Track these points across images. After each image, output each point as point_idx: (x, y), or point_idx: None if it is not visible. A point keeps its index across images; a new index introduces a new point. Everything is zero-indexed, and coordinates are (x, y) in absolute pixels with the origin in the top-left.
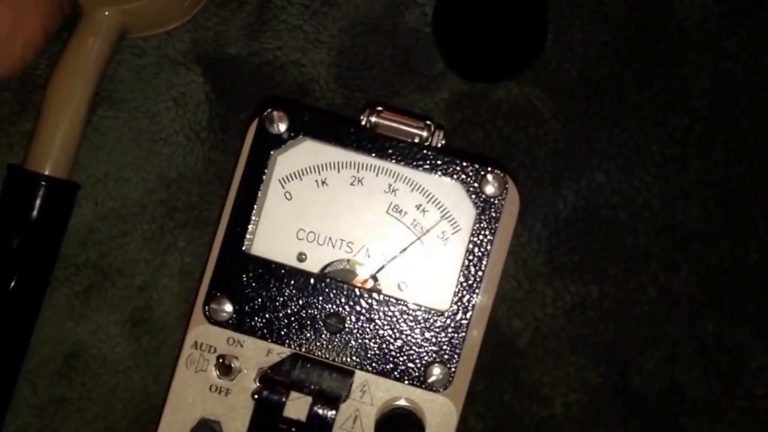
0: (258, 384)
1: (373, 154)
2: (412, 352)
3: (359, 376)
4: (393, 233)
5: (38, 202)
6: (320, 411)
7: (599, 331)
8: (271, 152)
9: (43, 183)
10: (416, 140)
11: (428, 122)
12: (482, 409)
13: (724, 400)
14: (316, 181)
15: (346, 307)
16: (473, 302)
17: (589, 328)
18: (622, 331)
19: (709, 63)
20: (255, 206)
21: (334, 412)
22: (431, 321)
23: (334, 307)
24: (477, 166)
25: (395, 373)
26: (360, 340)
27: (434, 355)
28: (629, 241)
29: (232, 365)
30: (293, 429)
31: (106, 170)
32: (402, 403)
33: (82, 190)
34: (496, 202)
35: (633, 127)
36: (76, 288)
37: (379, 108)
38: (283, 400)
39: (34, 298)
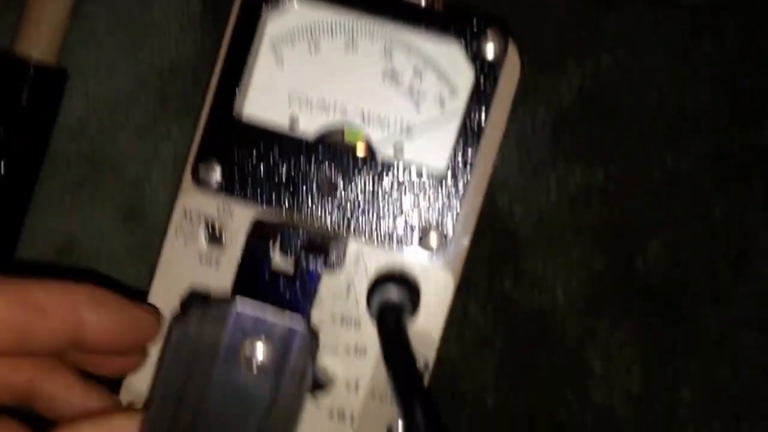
0: None
1: (368, 14)
2: (407, 217)
3: (353, 245)
4: (388, 98)
5: (27, 88)
6: (309, 262)
7: (603, 216)
8: (262, 13)
9: (32, 68)
10: (414, 1)
11: None
12: (482, 298)
13: (731, 283)
14: (309, 44)
15: (339, 172)
16: (470, 166)
17: (593, 214)
18: (627, 217)
19: None
20: (245, 68)
21: (322, 263)
22: (427, 185)
23: (327, 172)
24: (476, 23)
25: (389, 238)
26: (353, 205)
27: (430, 220)
28: (636, 124)
29: (222, 235)
30: (280, 281)
31: (96, 61)
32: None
33: (73, 81)
34: (495, 63)
35: (642, 6)
36: (68, 181)
37: None
38: (271, 246)
39: (24, 189)
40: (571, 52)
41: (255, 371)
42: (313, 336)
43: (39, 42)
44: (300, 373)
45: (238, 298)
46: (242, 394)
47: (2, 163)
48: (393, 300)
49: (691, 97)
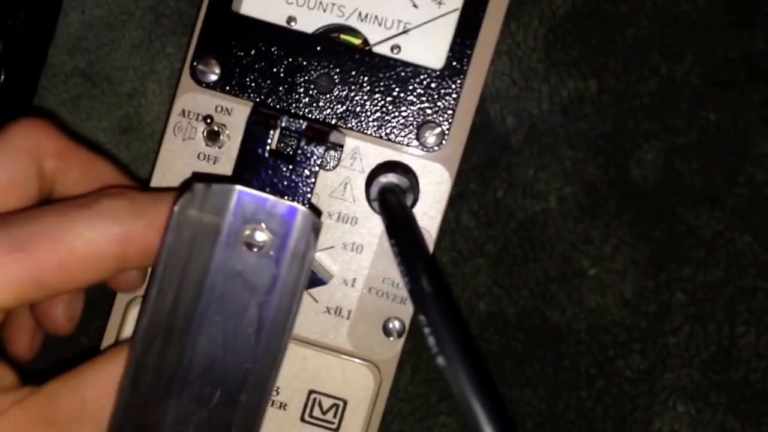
0: None
1: None
2: (404, 112)
3: (350, 142)
4: None
5: (24, 3)
6: (308, 142)
7: (597, 124)
8: None
9: None
10: None
11: None
12: (475, 206)
13: (725, 188)
14: None
15: (337, 67)
16: (468, 62)
17: (587, 123)
18: (621, 124)
19: None
20: None
21: (323, 144)
22: (424, 80)
23: (325, 67)
24: None
25: (386, 133)
26: (351, 101)
27: (427, 115)
28: (630, 33)
29: (221, 132)
30: (281, 163)
31: None
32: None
33: None
34: None
35: None
36: (65, 96)
37: None
38: (271, 130)
39: (22, 103)
40: None
41: (256, 253)
42: (314, 215)
43: None
44: (301, 255)
45: (238, 184)
46: (243, 276)
47: (2, 73)
48: (394, 183)
49: (685, 5)
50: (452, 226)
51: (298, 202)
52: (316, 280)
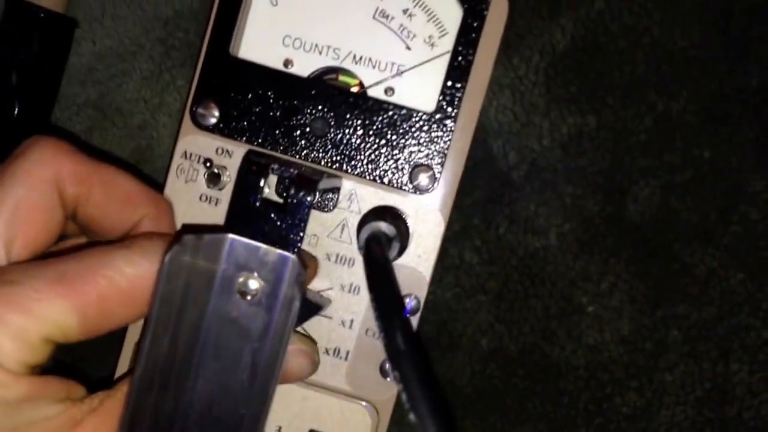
0: None
1: None
2: (397, 155)
3: (347, 184)
4: (380, 38)
5: (37, 35)
6: (298, 191)
7: (596, 161)
8: None
9: (42, 15)
10: None
11: None
12: (478, 242)
13: (719, 225)
14: None
15: (333, 111)
16: (459, 105)
17: (585, 159)
18: (619, 160)
19: None
20: (240, 10)
21: (312, 194)
22: (417, 124)
23: (321, 111)
24: None
25: (380, 176)
26: (346, 144)
27: (420, 159)
28: (628, 69)
29: (221, 175)
30: (271, 211)
31: (102, 9)
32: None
33: (81, 29)
34: (482, 1)
35: None
36: (78, 128)
37: None
38: (262, 179)
39: (36, 132)
40: None
41: (249, 300)
42: (302, 264)
43: None
44: (290, 301)
45: (230, 233)
46: (236, 323)
47: (16, 106)
48: (381, 230)
49: (681, 41)
50: (456, 263)
51: (288, 250)
52: (315, 307)
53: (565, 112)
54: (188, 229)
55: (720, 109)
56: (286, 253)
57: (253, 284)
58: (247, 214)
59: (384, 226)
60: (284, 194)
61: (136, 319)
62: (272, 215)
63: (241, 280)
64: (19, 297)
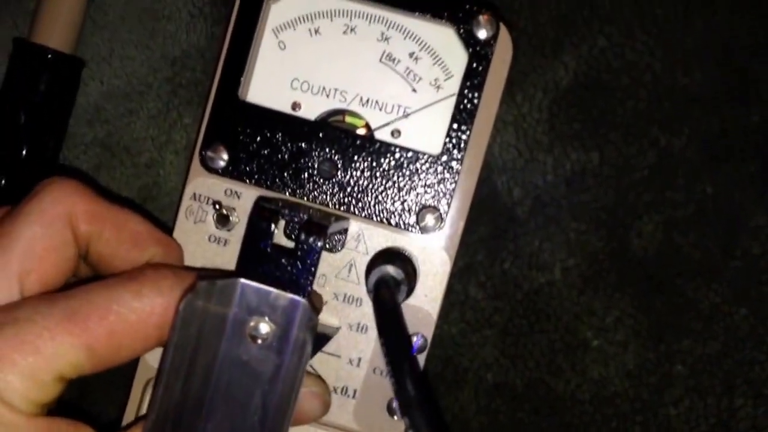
0: None
1: (366, 1)
2: (404, 197)
3: (354, 226)
4: (386, 81)
5: (45, 75)
6: (308, 237)
7: (599, 196)
8: (264, 0)
9: (49, 56)
10: None
11: None
12: (482, 278)
13: (722, 261)
14: (309, 30)
15: (340, 153)
16: (465, 147)
17: (589, 195)
18: (622, 196)
19: None
20: (249, 55)
21: (321, 239)
22: (423, 166)
23: (328, 153)
24: (468, 8)
25: (388, 218)
26: (353, 186)
27: (426, 200)
28: (630, 105)
29: (230, 216)
30: (281, 256)
31: (110, 49)
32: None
33: (88, 69)
34: (487, 46)
35: None
36: (85, 166)
37: None
38: (273, 225)
39: (43, 174)
40: (567, 35)
41: (260, 344)
42: (313, 309)
43: (56, 31)
44: (301, 345)
45: (241, 277)
46: (248, 367)
47: (24, 147)
48: (389, 274)
49: (683, 78)
50: (461, 298)
51: (299, 294)
52: (323, 338)
53: (568, 148)
54: (201, 276)
55: (722, 145)
56: (296, 297)
57: (264, 328)
58: (257, 259)
59: (392, 270)
60: (294, 237)
61: (146, 351)
62: (283, 260)
63: (252, 324)
64: (29, 336)
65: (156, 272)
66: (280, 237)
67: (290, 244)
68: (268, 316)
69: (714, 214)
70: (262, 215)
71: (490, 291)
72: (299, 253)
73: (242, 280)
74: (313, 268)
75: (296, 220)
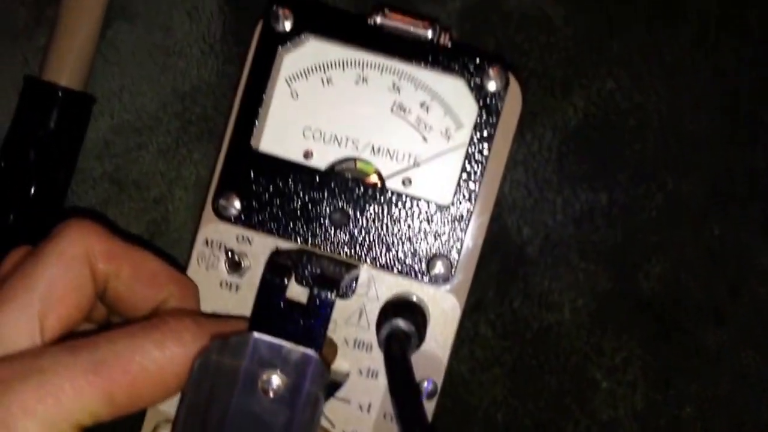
0: None
1: (378, 52)
2: (415, 245)
3: (365, 272)
4: (397, 131)
5: (55, 113)
6: (321, 292)
7: (608, 237)
8: (277, 50)
9: (60, 94)
10: (422, 40)
11: (434, 23)
12: (492, 317)
13: (729, 303)
14: (322, 79)
15: (351, 202)
16: (475, 196)
17: (598, 235)
18: (630, 237)
19: None
20: (262, 104)
21: (334, 293)
22: (434, 215)
23: (340, 202)
24: (479, 61)
25: (399, 266)
26: (365, 235)
27: (437, 249)
28: (638, 147)
29: (242, 262)
30: (294, 311)
31: (121, 84)
32: (405, 295)
33: (98, 104)
34: (497, 97)
35: (643, 34)
36: (94, 201)
37: (386, 8)
38: (285, 281)
39: (52, 209)
40: (576, 77)
41: (271, 398)
42: (326, 363)
43: (67, 69)
44: (314, 400)
45: (254, 332)
46: (260, 420)
47: (33, 184)
48: (400, 328)
49: (691, 121)
50: (470, 335)
51: (311, 347)
52: (334, 386)
53: (577, 188)
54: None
55: (728, 188)
56: (309, 351)
57: (276, 381)
58: (271, 313)
59: (403, 324)
60: (305, 284)
61: (165, 399)
62: (295, 314)
63: (264, 377)
64: (52, 387)
65: (178, 322)
66: (293, 287)
67: (302, 291)
68: (281, 369)
69: (721, 255)
70: (275, 271)
71: (499, 329)
72: (312, 307)
73: (255, 334)
74: (325, 322)
75: (309, 271)
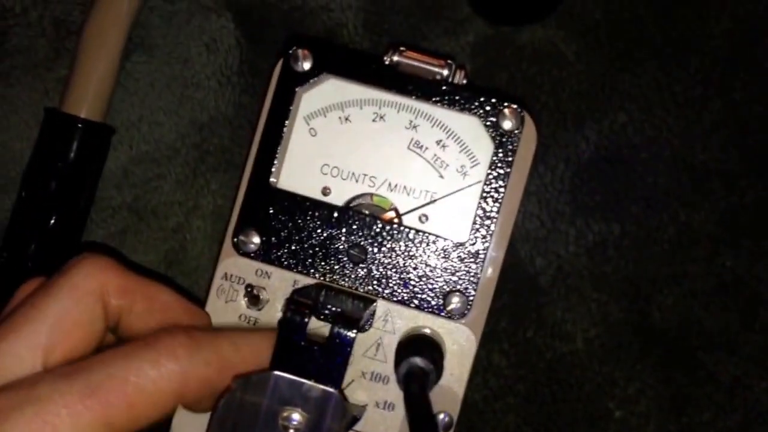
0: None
1: (395, 91)
2: (431, 281)
3: (382, 305)
4: (414, 168)
5: (75, 144)
6: (341, 331)
7: (620, 268)
8: (296, 90)
9: (80, 125)
10: (438, 78)
11: (449, 61)
12: (506, 346)
13: (742, 334)
14: (340, 117)
15: (369, 238)
16: (491, 233)
17: (610, 266)
18: (643, 268)
19: (731, 4)
20: (281, 142)
21: (354, 332)
22: (450, 251)
23: (357, 238)
24: (494, 102)
25: (415, 301)
26: (382, 270)
27: (453, 285)
28: (650, 180)
29: (260, 295)
30: (315, 348)
31: (139, 115)
32: (422, 329)
33: (117, 134)
34: (513, 136)
35: (655, 69)
36: (112, 230)
37: (402, 48)
38: (306, 320)
39: (72, 238)
40: (588, 110)
41: None
42: (346, 402)
43: (87, 101)
44: None
45: (275, 370)
46: None
47: (54, 214)
48: (419, 366)
49: (702, 154)
50: (484, 365)
51: (331, 385)
52: (353, 420)
53: (590, 219)
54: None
55: (741, 219)
56: (329, 389)
57: (297, 418)
58: (291, 352)
59: (421, 362)
60: (324, 319)
61: (163, 417)
62: (316, 351)
63: (284, 414)
64: (48, 415)
65: (171, 339)
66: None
67: (320, 324)
68: (301, 406)
69: (734, 287)
70: (296, 310)
71: (513, 359)
72: (332, 345)
73: (276, 372)
74: (345, 360)
75: (329, 309)
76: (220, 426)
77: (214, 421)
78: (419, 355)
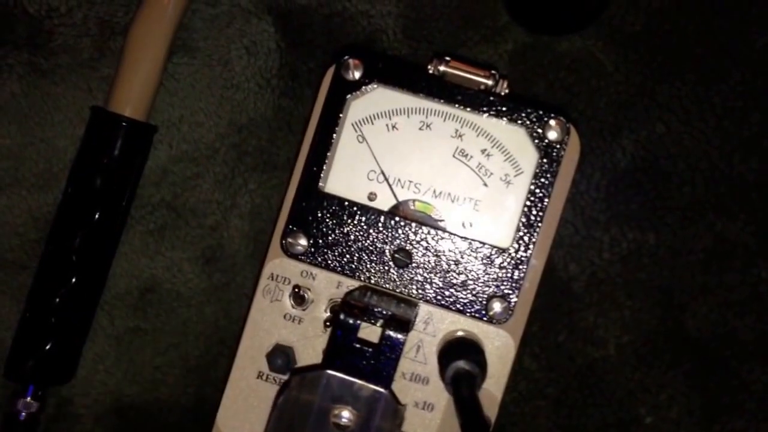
0: (328, 314)
1: (441, 101)
2: (474, 286)
3: (423, 308)
4: (458, 176)
5: (119, 142)
6: (392, 333)
7: (655, 276)
8: (346, 97)
9: (124, 124)
10: (482, 88)
11: (493, 71)
12: (537, 350)
13: None
14: (387, 125)
15: (414, 243)
16: (533, 241)
17: (644, 274)
18: (677, 277)
19: None
20: (330, 148)
21: (405, 334)
22: (493, 258)
23: (402, 243)
24: (541, 113)
25: (458, 306)
26: (425, 275)
27: (495, 290)
28: (687, 190)
29: (305, 296)
30: (367, 349)
31: (180, 115)
32: (463, 333)
33: (158, 133)
34: (558, 147)
35: (694, 80)
36: (151, 226)
37: (447, 58)
38: (359, 322)
39: (114, 233)
40: (626, 120)
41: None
42: (397, 401)
43: (131, 100)
44: None
45: (327, 369)
46: None
47: (98, 210)
48: (467, 370)
49: (739, 165)
50: (515, 367)
51: (382, 385)
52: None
53: (625, 227)
54: (295, 371)
55: None
56: (379, 388)
57: (347, 415)
58: (344, 352)
59: (469, 366)
60: (373, 324)
61: None
62: (367, 352)
63: (335, 411)
64: None
65: None
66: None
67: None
68: (352, 405)
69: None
70: (349, 313)
71: (543, 362)
72: (383, 347)
73: (328, 371)
74: (395, 362)
75: (379, 317)
76: (278, 421)
77: (273, 416)
78: (465, 358)
